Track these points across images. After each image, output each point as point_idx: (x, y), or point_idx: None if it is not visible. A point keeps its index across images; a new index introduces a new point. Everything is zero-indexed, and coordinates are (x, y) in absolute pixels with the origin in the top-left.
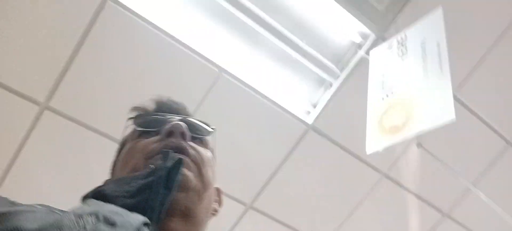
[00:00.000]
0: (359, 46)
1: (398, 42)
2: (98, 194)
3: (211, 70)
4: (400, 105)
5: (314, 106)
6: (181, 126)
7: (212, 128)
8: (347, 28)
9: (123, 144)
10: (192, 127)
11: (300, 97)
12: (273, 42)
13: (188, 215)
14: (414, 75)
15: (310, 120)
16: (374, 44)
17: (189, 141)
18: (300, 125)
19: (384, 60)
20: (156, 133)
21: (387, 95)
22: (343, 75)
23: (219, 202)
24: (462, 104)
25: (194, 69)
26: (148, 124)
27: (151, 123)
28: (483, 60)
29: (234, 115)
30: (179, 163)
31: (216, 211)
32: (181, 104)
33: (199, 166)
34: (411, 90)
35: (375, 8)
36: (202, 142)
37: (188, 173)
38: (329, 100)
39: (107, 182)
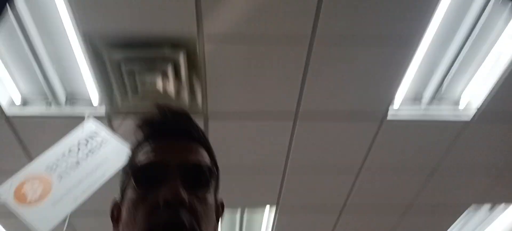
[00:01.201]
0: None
1: (94, 134)
2: None
3: None
4: (43, 182)
5: None
6: (180, 200)
7: (214, 167)
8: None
9: (124, 188)
10: (192, 174)
11: None
12: None
13: None
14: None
15: None
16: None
17: (188, 204)
18: None
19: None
20: (156, 187)
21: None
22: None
23: (220, 220)
24: None
25: None
26: (147, 178)
27: (149, 178)
28: None
29: None
30: None
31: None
32: (183, 123)
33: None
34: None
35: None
36: (203, 188)
37: None
38: None
39: None
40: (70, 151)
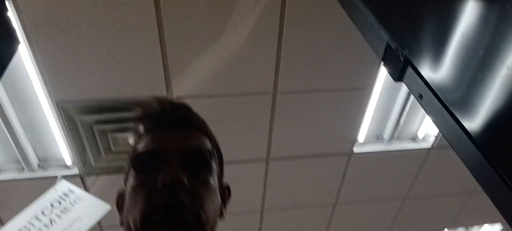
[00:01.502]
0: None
1: (66, 194)
2: None
3: None
4: None
5: None
6: (179, 181)
7: (215, 150)
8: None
9: (126, 178)
10: (191, 159)
11: None
12: None
13: None
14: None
15: None
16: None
17: (188, 186)
18: None
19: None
20: (155, 172)
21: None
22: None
23: (227, 203)
24: None
25: None
26: (146, 165)
27: (149, 165)
28: None
29: None
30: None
31: (224, 212)
32: (182, 112)
33: (199, 214)
34: None
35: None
36: (204, 170)
37: None
38: None
39: None
40: (42, 212)
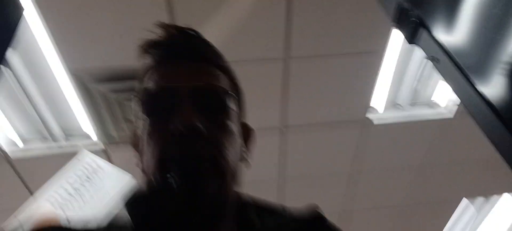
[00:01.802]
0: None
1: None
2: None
3: None
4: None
5: None
6: (193, 127)
7: (233, 88)
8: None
9: (136, 116)
10: (206, 99)
11: None
12: None
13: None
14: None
15: None
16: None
17: (204, 131)
18: None
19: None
20: (167, 115)
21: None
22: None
23: (249, 146)
24: None
25: None
26: (156, 108)
27: (159, 107)
28: None
29: None
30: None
31: (246, 157)
32: (192, 42)
33: (217, 163)
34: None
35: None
36: (221, 112)
37: (206, 188)
38: None
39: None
40: (67, 181)
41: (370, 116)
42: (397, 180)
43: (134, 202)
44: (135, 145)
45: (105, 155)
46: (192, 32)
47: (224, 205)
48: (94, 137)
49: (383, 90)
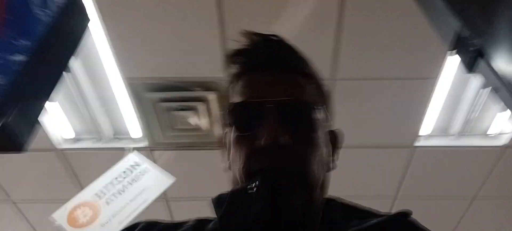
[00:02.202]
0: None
1: (136, 165)
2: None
3: None
4: (92, 208)
5: None
6: (279, 141)
7: (317, 107)
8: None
9: (225, 121)
10: (294, 112)
11: None
12: None
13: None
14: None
15: None
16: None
17: (291, 146)
18: None
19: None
20: (254, 127)
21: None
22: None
23: (337, 151)
24: None
25: None
26: (243, 119)
27: (246, 119)
28: None
29: None
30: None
31: (333, 165)
32: (278, 51)
33: (303, 178)
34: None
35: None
36: (309, 126)
37: (291, 200)
38: None
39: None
40: (116, 179)
41: (418, 142)
42: (444, 210)
43: (222, 204)
44: (222, 141)
45: (151, 157)
46: (277, 39)
47: (309, 216)
48: (142, 140)
49: (434, 118)
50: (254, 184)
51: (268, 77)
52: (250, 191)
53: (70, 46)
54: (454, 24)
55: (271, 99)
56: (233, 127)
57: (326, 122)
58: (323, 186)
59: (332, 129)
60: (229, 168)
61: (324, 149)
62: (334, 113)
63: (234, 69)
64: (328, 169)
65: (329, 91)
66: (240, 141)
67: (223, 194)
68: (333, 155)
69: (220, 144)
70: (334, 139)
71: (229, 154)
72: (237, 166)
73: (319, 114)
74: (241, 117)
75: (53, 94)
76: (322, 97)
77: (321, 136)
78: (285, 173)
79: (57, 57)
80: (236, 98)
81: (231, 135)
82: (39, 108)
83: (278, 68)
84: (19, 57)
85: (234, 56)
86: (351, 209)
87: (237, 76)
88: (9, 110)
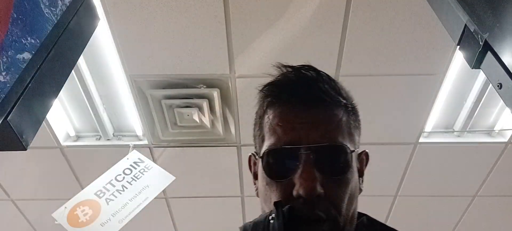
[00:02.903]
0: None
1: (137, 163)
2: None
3: None
4: (92, 206)
5: None
6: (314, 192)
7: (351, 149)
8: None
9: (256, 153)
10: (328, 157)
11: None
12: None
13: None
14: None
15: None
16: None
17: (325, 193)
18: None
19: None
20: (288, 171)
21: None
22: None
23: (364, 169)
24: None
25: None
26: (276, 164)
27: (279, 164)
28: None
29: None
30: None
31: (362, 188)
32: (311, 85)
33: (336, 221)
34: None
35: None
36: (342, 172)
37: None
38: None
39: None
40: (116, 178)
41: (422, 139)
42: (445, 207)
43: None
44: (249, 166)
45: (153, 155)
46: (310, 72)
47: None
48: (143, 137)
49: (438, 114)
50: (276, 214)
51: (301, 114)
52: (271, 220)
53: (79, 45)
54: (461, 18)
55: (305, 145)
56: (265, 172)
57: (357, 143)
58: (353, 217)
59: (360, 152)
60: (257, 195)
61: (356, 183)
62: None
63: (266, 101)
64: (357, 197)
65: (358, 110)
66: (273, 183)
67: (247, 223)
68: (360, 179)
69: (249, 167)
70: (361, 162)
71: (257, 182)
72: (267, 205)
73: (353, 154)
74: (275, 162)
75: (59, 93)
76: (355, 122)
77: (354, 173)
78: (319, 221)
79: (64, 56)
80: (268, 135)
81: (262, 174)
82: (44, 107)
83: (311, 102)
84: (26, 56)
85: (266, 89)
86: (377, 226)
87: (268, 106)
88: (11, 109)
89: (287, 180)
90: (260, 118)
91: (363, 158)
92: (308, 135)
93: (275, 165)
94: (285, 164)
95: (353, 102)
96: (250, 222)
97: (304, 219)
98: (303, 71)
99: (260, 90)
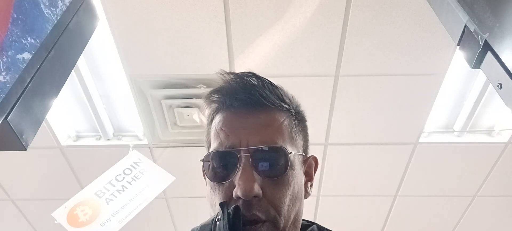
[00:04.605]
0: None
1: (137, 163)
2: None
3: None
4: (92, 206)
5: None
6: (251, 193)
7: (291, 151)
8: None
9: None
10: (266, 158)
11: None
12: None
13: None
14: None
15: None
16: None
17: (264, 193)
18: None
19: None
20: (229, 172)
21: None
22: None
23: (313, 176)
24: None
25: None
26: (218, 168)
27: (220, 167)
28: None
29: None
30: None
31: (309, 191)
32: (250, 90)
33: (275, 222)
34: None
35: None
36: (280, 173)
37: None
38: None
39: None
40: (116, 178)
41: (421, 138)
42: (445, 207)
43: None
44: (204, 172)
45: (153, 155)
46: (251, 79)
47: None
48: (143, 138)
49: (438, 114)
50: (222, 215)
51: (243, 118)
52: (218, 221)
53: (78, 45)
54: (461, 18)
55: (245, 148)
56: (211, 170)
57: (303, 146)
58: (296, 219)
59: (307, 157)
60: (209, 199)
61: (299, 184)
62: (307, 139)
63: (211, 107)
64: (302, 200)
65: (304, 116)
66: (216, 185)
67: (195, 227)
68: (308, 183)
69: (203, 173)
70: (310, 166)
71: (208, 188)
72: (213, 208)
73: (294, 156)
74: (216, 165)
75: (59, 93)
76: (299, 123)
77: (296, 175)
78: (258, 222)
79: (64, 56)
80: (212, 140)
81: (208, 176)
82: (44, 107)
83: (252, 106)
84: (26, 56)
85: (211, 95)
86: None
87: (214, 114)
88: (11, 109)
89: (229, 182)
90: (208, 124)
91: (312, 162)
92: (248, 138)
93: (217, 168)
94: (226, 167)
95: (298, 108)
96: (198, 226)
97: (244, 220)
98: (245, 78)
99: (206, 98)
